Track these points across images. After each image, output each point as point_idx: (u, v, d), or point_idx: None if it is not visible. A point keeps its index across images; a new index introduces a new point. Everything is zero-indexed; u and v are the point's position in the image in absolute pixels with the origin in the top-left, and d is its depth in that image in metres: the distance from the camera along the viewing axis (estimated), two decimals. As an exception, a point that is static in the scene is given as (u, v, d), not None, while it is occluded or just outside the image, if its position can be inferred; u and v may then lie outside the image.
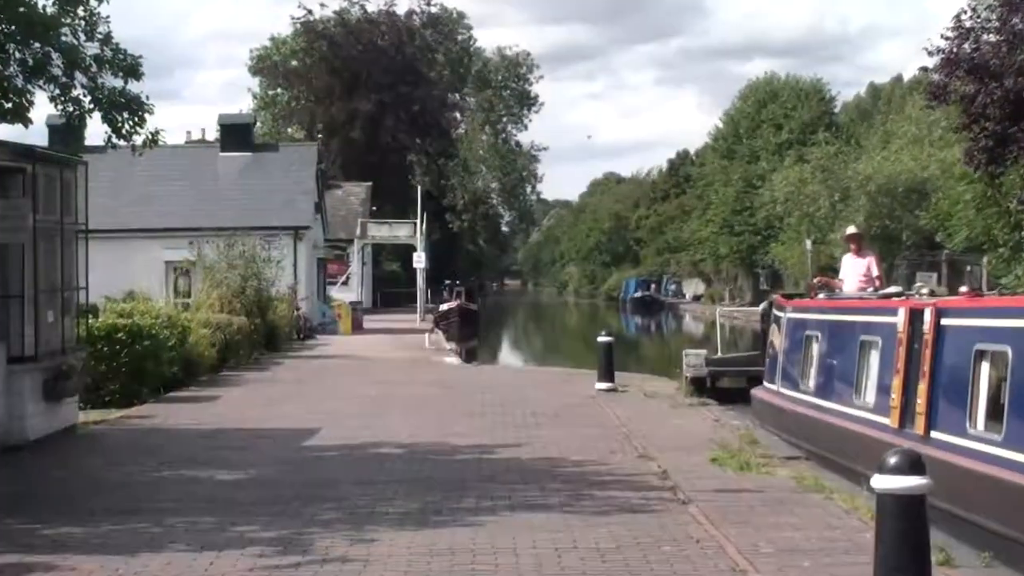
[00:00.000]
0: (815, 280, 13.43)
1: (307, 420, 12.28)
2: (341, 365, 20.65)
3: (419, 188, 45.67)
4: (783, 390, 12.51)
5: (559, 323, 67.18)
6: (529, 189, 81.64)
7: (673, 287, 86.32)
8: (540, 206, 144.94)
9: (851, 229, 13.60)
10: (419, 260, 39.63)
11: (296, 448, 10.33)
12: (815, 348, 11.62)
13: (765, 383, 13.45)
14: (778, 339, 13.04)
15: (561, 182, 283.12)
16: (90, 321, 13.18)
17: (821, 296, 12.41)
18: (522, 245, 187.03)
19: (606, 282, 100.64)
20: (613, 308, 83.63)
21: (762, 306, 19.14)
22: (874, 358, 9.84)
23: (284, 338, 25.87)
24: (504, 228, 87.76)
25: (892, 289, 10.99)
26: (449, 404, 13.97)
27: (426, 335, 28.55)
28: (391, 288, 57.94)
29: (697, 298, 77.22)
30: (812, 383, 11.54)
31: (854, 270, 12.10)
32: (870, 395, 9.78)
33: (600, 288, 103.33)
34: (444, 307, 46.90)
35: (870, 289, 11.66)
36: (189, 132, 51.71)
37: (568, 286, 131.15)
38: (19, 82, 9.76)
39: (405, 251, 60.89)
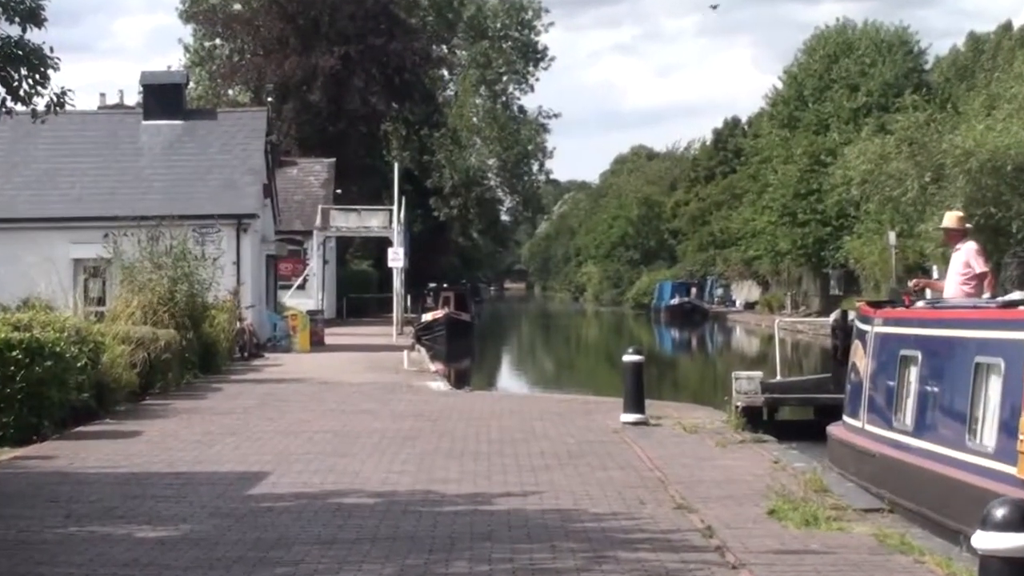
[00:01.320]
0: (913, 283, 13.10)
1: (253, 462, 12.30)
2: (296, 391, 20.67)
3: (396, 166, 45.77)
4: (869, 427, 12.29)
5: (574, 337, 67.27)
6: (536, 167, 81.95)
7: (719, 292, 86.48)
8: (550, 189, 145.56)
9: (952, 217, 12.51)
10: (396, 257, 39.69)
11: (239, 497, 10.35)
12: (913, 373, 11.34)
13: (846, 418, 13.30)
14: (862, 360, 12.86)
15: (577, 158, 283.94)
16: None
17: (920, 304, 12.05)
18: (527, 239, 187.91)
19: (634, 285, 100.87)
20: (643, 318, 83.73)
21: (833, 316, 19.20)
22: (994, 386, 9.60)
23: (224, 357, 25.95)
24: (504, 217, 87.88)
25: (1017, 295, 10.46)
26: (434, 441, 13.97)
27: (405, 353, 28.59)
28: (360, 293, 58.14)
29: (750, 306, 77.39)
30: (909, 418, 11.24)
31: (952, 267, 11.88)
32: (988, 435, 9.54)
33: (626, 293, 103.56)
34: (428, 317, 47.00)
35: (987, 295, 11.29)
36: (104, 95, 52.28)
37: (586, 290, 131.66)
38: None
39: (378, 246, 61.00)
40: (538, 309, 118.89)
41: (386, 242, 45.12)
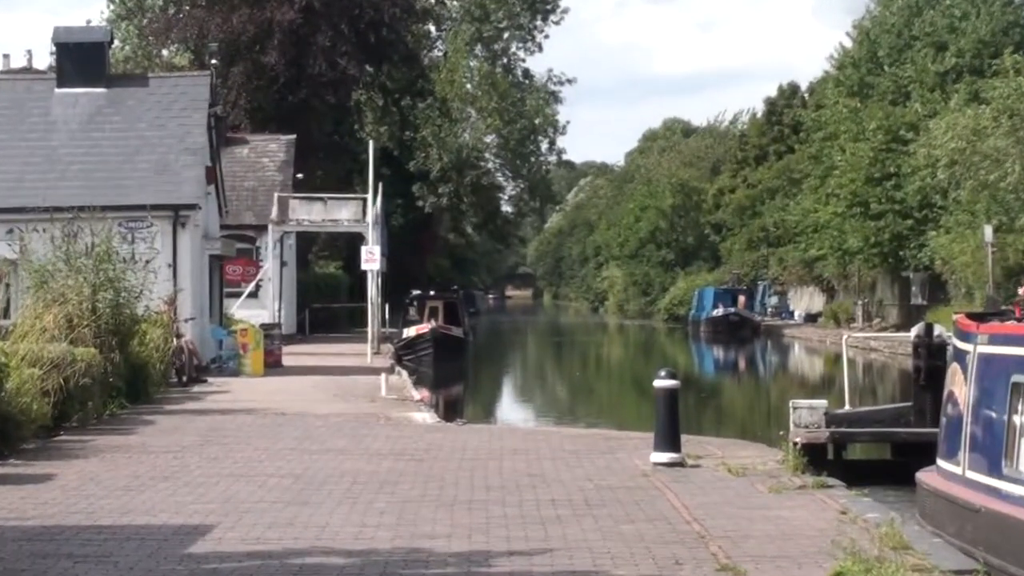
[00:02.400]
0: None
1: (193, 512, 12.32)
2: (247, 425, 20.69)
3: (371, 144, 45.82)
4: (972, 473, 11.93)
5: (593, 357, 67.30)
6: (545, 145, 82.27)
7: (774, 300, 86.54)
8: (563, 173, 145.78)
9: None
10: (371, 258, 39.74)
11: (176, 556, 10.36)
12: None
13: (940, 461, 13.12)
14: (961, 388, 12.63)
15: (597, 135, 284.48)
16: None
17: None
18: (534, 235, 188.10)
19: (667, 293, 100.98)
20: (678, 334, 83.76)
21: (916, 330, 19.23)
22: None
23: (158, 382, 25.97)
24: (506, 208, 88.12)
25: None
26: (419, 487, 13.99)
27: (382, 377, 28.60)
28: (327, 302, 58.25)
29: (812, 317, 77.42)
30: (1024, 463, 10.94)
31: None
32: None
33: (657, 302, 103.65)
34: (411, 332, 47.07)
35: None
36: (8, 56, 52.37)
37: (607, 299, 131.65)
38: None
39: (349, 244, 61.12)
40: (547, 322, 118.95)
41: (359, 239, 45.15)
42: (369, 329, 41.45)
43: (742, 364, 59.78)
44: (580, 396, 42.59)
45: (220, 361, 32.22)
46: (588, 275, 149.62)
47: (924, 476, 13.18)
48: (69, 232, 24.09)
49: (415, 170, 73.94)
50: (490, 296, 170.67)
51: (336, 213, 46.38)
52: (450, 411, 29.43)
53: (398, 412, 23.36)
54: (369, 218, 43.45)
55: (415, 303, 51.08)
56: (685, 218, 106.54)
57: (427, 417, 22.96)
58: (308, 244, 59.83)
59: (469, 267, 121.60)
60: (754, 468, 15.43)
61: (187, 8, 58.62)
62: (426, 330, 46.40)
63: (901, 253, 60.83)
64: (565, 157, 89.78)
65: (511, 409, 37.94)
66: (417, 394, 28.26)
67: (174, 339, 28.04)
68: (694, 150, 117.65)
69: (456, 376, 45.49)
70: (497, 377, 51.26)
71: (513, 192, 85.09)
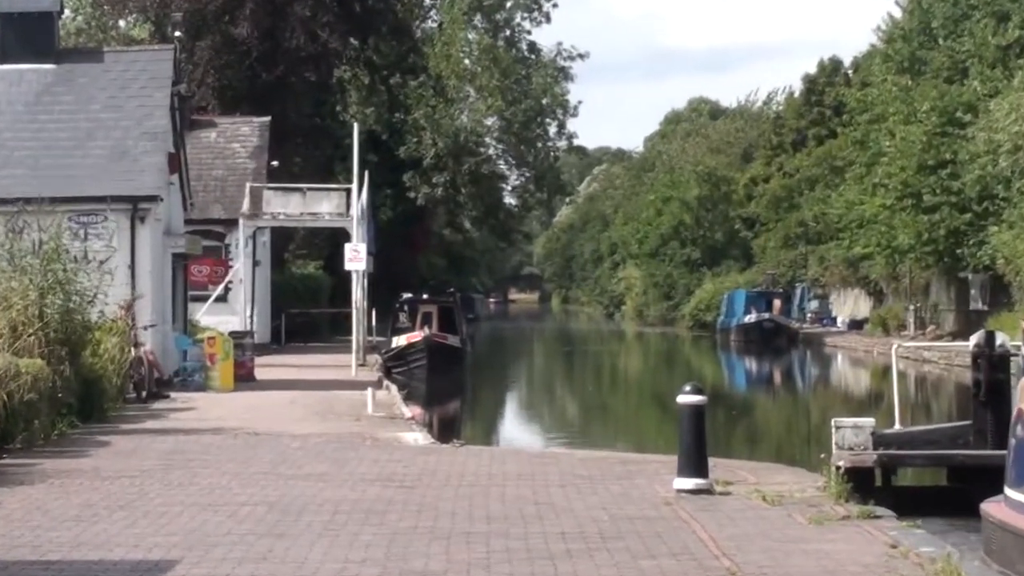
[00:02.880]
0: None
1: (154, 547, 12.29)
2: (215, 447, 20.70)
3: (356, 128, 45.83)
4: None
5: (608, 369, 67.32)
6: (554, 129, 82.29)
7: (813, 305, 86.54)
8: (574, 160, 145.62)
9: None
10: (356, 257, 39.71)
11: (134, 597, 10.33)
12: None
13: (1009, 490, 13.08)
14: None
15: (612, 117, 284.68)
16: None
17: None
18: (541, 230, 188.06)
19: (692, 296, 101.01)
20: (706, 343, 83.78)
21: (975, 339, 19.12)
22: None
23: (114, 398, 25.99)
24: (510, 200, 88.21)
25: None
26: (410, 517, 13.97)
27: (369, 392, 28.59)
28: (306, 307, 58.20)
29: (857, 324, 77.44)
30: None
31: None
32: None
33: (682, 307, 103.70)
34: (401, 341, 47.12)
35: None
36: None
37: (624, 303, 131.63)
38: None
39: (331, 241, 61.05)
40: (556, 329, 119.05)
41: (342, 235, 45.14)
42: (353, 338, 41.42)
43: (778, 377, 59.76)
44: (593, 414, 42.57)
45: (184, 374, 32.21)
46: (602, 276, 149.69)
47: (990, 507, 13.11)
48: (13, 227, 24.15)
49: (406, 157, 73.97)
50: (491, 300, 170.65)
51: (316, 206, 46.36)
52: (446, 431, 29.40)
53: (386, 432, 23.34)
54: (354, 211, 43.42)
55: (406, 308, 51.06)
56: (713, 211, 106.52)
57: (419, 438, 22.95)
58: (284, 241, 59.83)
59: (467, 267, 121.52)
60: (791, 496, 15.41)
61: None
62: (418, 339, 46.42)
63: (958, 251, 60.75)
64: (576, 142, 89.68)
65: (515, 429, 37.94)
66: (408, 411, 28.24)
67: (132, 349, 28.03)
68: (723, 134, 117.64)
69: (452, 391, 45.46)
70: (499, 392, 51.22)
71: (517, 182, 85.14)
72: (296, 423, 24.53)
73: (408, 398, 33.37)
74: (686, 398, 15.91)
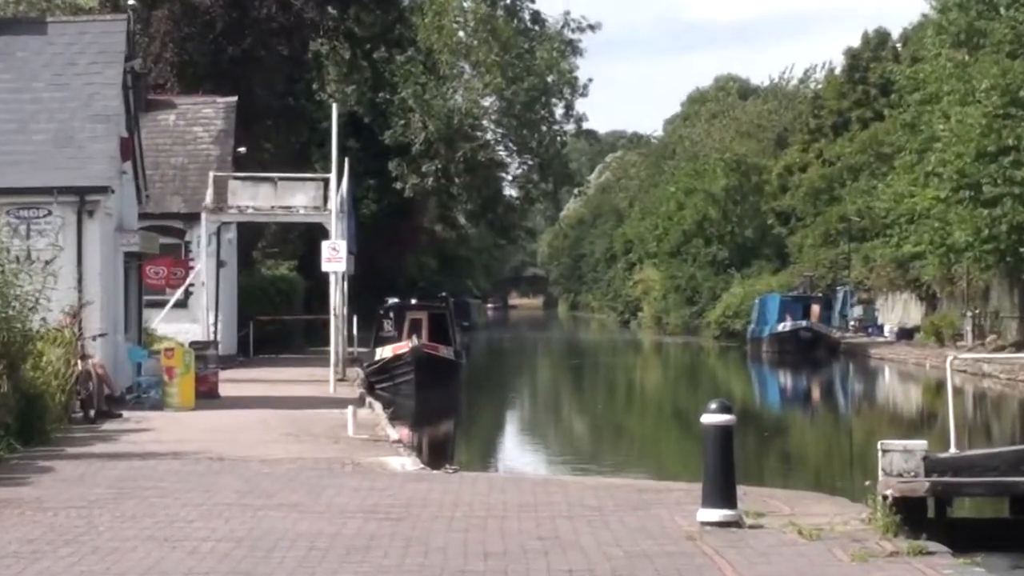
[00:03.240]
0: None
1: (105, 587, 12.28)
2: (174, 473, 20.69)
3: (335, 109, 45.82)
4: None
5: (622, 385, 67.33)
6: (561, 111, 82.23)
7: (858, 311, 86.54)
8: (584, 147, 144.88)
9: None
10: (335, 256, 39.70)
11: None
12: None
13: None
14: None
15: (628, 97, 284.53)
16: None
17: None
18: (547, 226, 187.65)
19: (719, 301, 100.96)
20: (734, 354, 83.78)
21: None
22: None
23: (58, 417, 25.94)
24: (510, 191, 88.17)
25: None
26: (397, 554, 13.98)
27: (349, 410, 28.55)
28: (278, 313, 58.16)
29: (907, 333, 77.43)
30: None
31: None
32: None
33: (707, 314, 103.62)
34: (387, 353, 47.08)
35: None
36: None
37: (641, 309, 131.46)
38: None
39: (306, 239, 60.91)
40: (563, 339, 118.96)
41: (319, 232, 45.04)
42: (332, 349, 41.37)
43: (816, 394, 59.76)
44: (606, 435, 42.54)
45: (138, 390, 32.19)
46: (616, 279, 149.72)
47: None
48: (-57, 223, 24.09)
49: (392, 142, 73.97)
50: (489, 305, 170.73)
51: (289, 198, 46.31)
52: (437, 455, 29.43)
53: (369, 456, 23.34)
54: (332, 205, 43.38)
55: (391, 315, 51.03)
56: (742, 205, 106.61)
57: (407, 463, 22.94)
58: (253, 238, 59.81)
59: (461, 268, 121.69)
60: (832, 529, 15.41)
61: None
62: (406, 350, 46.38)
63: (1022, 250, 60.69)
64: (586, 126, 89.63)
65: (516, 452, 37.94)
66: (394, 433, 28.24)
67: (79, 362, 28.00)
68: (753, 117, 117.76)
69: (445, 409, 45.44)
70: (498, 410, 51.18)
71: (519, 171, 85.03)
72: (266, 446, 24.51)
73: (394, 417, 33.30)
74: (711, 417, 15.90)
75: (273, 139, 60.31)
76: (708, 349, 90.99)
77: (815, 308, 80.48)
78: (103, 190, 31.32)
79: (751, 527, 15.48)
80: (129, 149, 34.49)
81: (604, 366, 78.50)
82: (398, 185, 74.44)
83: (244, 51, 56.88)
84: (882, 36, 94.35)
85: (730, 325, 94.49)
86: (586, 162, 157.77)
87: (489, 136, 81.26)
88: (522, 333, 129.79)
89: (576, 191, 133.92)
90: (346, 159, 45.35)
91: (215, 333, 43.65)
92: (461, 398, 50.04)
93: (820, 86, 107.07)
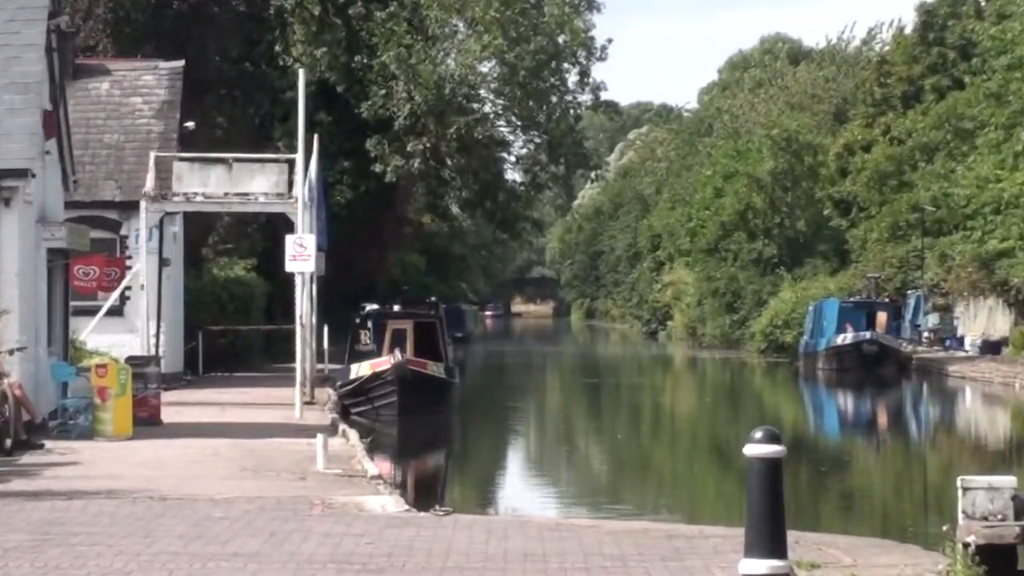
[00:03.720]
0: None
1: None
2: (107, 516, 20.69)
3: (301, 76, 45.80)
4: None
5: (649, 407, 67.32)
6: (574, 78, 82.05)
7: (933, 320, 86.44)
8: (602, 121, 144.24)
9: None
10: (302, 254, 39.71)
11: None
12: None
13: None
14: None
15: (654, 62, 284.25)
16: None
17: None
18: (558, 217, 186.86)
19: (766, 308, 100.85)
20: (785, 370, 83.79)
21: None
22: None
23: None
24: (513, 175, 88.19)
25: None
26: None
27: (319, 440, 28.55)
28: (232, 323, 58.11)
29: (993, 347, 77.34)
30: None
31: None
32: None
33: (750, 323, 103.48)
34: (364, 370, 46.98)
35: None
36: None
37: (672, 317, 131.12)
38: None
39: (267, 232, 60.81)
40: (576, 353, 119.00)
41: (282, 224, 45.09)
42: (298, 366, 41.34)
43: (882, 419, 59.73)
44: (628, 470, 42.56)
45: (64, 415, 32.17)
46: (641, 281, 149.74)
47: None
48: None
49: (370, 116, 73.89)
50: (488, 312, 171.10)
51: (247, 183, 46.25)
52: (425, 494, 29.41)
53: (343, 495, 23.36)
54: (298, 191, 43.37)
55: (370, 325, 50.93)
56: (793, 191, 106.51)
57: (388, 503, 22.95)
58: (203, 232, 59.79)
59: (455, 268, 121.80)
60: (902, 587, 15.40)
61: None
62: (387, 367, 46.30)
63: None
64: (605, 96, 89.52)
65: (520, 491, 37.83)
66: (373, 467, 28.15)
67: (-9, 380, 28.03)
68: (806, 85, 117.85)
69: (434, 439, 45.39)
70: (499, 440, 51.15)
71: (524, 151, 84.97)
72: (218, 483, 24.52)
73: (373, 449, 33.32)
74: (757, 448, 15.85)
75: (227, 112, 60.30)
76: (752, 366, 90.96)
77: (881, 316, 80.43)
78: (22, 174, 31.30)
79: (804, 581, 15.48)
80: (53, 124, 34.46)
81: (626, 387, 78.50)
82: (378, 168, 74.33)
83: (192, 6, 57.00)
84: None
85: (778, 337, 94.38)
86: (605, 140, 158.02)
87: (488, 109, 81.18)
88: (527, 346, 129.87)
89: (593, 175, 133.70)
90: (315, 136, 45.38)
91: (157, 346, 43.60)
92: (454, 425, 50.00)
93: (887, 48, 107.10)
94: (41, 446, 29.00)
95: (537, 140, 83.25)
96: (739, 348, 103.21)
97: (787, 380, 79.63)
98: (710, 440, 50.94)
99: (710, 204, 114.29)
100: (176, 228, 50.18)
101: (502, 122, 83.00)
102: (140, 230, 45.47)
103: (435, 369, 48.87)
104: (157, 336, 44.91)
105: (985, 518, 18.28)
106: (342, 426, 36.56)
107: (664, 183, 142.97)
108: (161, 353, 42.77)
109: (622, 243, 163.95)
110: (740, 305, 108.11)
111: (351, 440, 33.29)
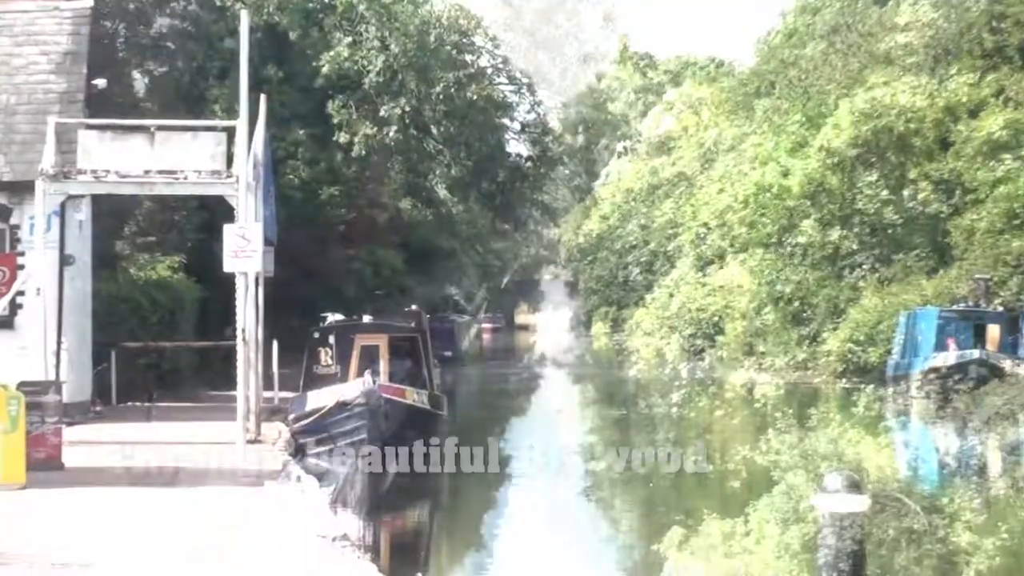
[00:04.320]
0: None
1: None
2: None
3: (244, 19, 45.83)
4: None
5: (690, 444, 67.33)
6: (592, 23, 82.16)
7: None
8: (628, 77, 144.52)
9: None
10: (245, 249, 39.76)
11: None
12: None
13: None
14: None
15: (698, 5, 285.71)
16: None
17: None
18: (574, 202, 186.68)
19: (843, 320, 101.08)
20: (868, 398, 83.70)
21: None
22: None
23: None
24: (517, 148, 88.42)
25: None
26: None
27: (266, 488, 28.58)
28: (154, 337, 58.27)
29: None
30: None
31: None
32: None
33: (824, 337, 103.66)
34: (324, 398, 47.06)
35: None
36: None
37: (723, 331, 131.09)
38: None
39: (200, 220, 61.04)
40: (598, 375, 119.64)
41: (219, 211, 45.07)
42: (240, 393, 41.50)
43: (995, 462, 59.81)
44: (665, 529, 42.52)
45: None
46: (682, 284, 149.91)
47: None
48: None
49: (332, 72, 74.11)
50: (485, 325, 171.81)
51: (175, 157, 46.26)
52: (404, 559, 29.48)
53: (297, 562, 23.51)
54: (241, 168, 43.45)
55: (333, 340, 51.16)
56: (879, 168, 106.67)
57: (356, 573, 23.21)
58: (118, 221, 60.05)
59: (442, 268, 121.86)
60: None
61: None
62: (355, 395, 46.31)
63: None
64: (633, 47, 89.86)
65: (527, 559, 37.90)
66: (336, 527, 28.20)
67: None
68: (893, 32, 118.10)
69: (416, 488, 45.38)
70: (497, 489, 51.23)
71: (530, 116, 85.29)
72: (132, 547, 24.70)
73: (337, 501, 33.48)
74: (832, 501, 15.76)
75: (149, 67, 60.39)
76: (826, 393, 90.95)
77: (993, 330, 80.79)
78: None
79: None
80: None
81: (661, 421, 78.60)
82: (342, 138, 74.53)
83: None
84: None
85: (860, 356, 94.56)
86: (635, 101, 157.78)
87: (485, 62, 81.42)
88: (534, 368, 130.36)
89: (620, 147, 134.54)
90: (262, 97, 45.38)
91: (57, 369, 43.70)
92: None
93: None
94: (-96, 497, 29.13)
95: (547, 102, 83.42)
96: (809, 370, 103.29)
97: (872, 411, 79.66)
98: (766, 486, 50.88)
99: (772, 185, 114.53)
100: (82, 216, 50.27)
101: (503, 80, 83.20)
102: (36, 218, 45.49)
103: (416, 397, 49.03)
104: (58, 355, 44.99)
105: None
106: (296, 470, 36.80)
107: (712, 157, 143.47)
108: (63, 377, 43.00)
109: (655, 239, 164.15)
110: (811, 315, 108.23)
111: (307, 489, 33.52)
